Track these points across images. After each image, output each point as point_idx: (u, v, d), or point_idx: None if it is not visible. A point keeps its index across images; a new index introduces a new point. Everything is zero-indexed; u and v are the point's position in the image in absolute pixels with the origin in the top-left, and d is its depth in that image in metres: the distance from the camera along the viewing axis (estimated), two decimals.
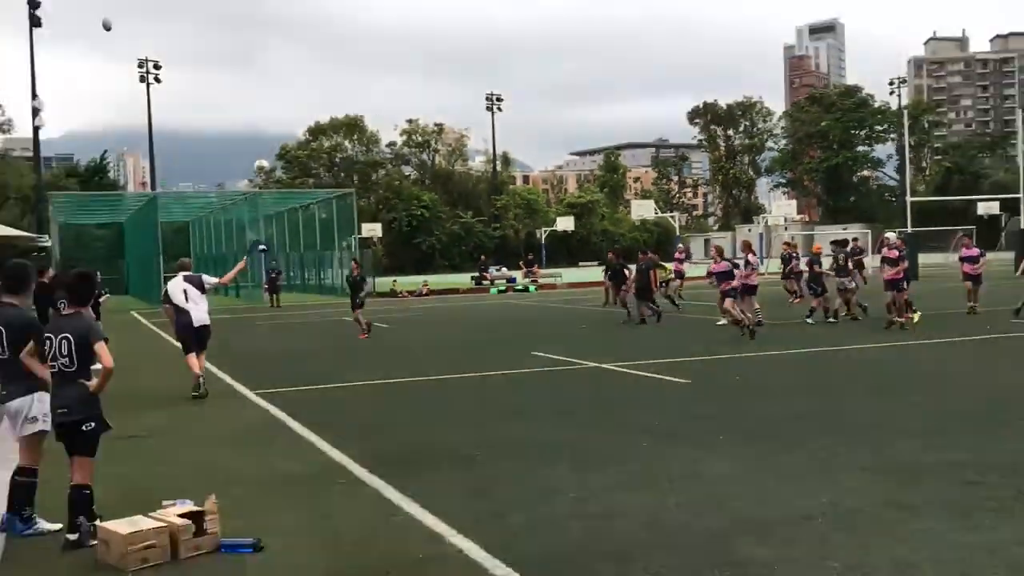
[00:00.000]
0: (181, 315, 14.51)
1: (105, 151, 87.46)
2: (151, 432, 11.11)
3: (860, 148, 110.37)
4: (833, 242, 23.85)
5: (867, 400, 11.64)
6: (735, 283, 20.27)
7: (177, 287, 14.60)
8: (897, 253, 20.52)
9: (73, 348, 6.77)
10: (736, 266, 21.15)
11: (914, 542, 6.12)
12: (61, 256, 48.17)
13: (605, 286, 30.99)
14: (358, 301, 22.57)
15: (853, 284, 22.07)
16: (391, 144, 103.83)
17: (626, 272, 26.66)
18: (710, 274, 22.48)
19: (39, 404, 7.06)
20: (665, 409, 11.41)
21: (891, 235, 23.86)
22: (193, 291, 14.58)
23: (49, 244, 40.62)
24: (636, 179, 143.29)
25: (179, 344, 15.17)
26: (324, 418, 11.60)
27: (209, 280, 15.20)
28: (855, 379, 13.51)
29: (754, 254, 22.60)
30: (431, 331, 25.08)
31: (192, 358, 14.28)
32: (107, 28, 43.35)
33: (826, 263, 23.01)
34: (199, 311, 14.55)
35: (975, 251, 23.97)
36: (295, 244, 58.53)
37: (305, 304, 40.04)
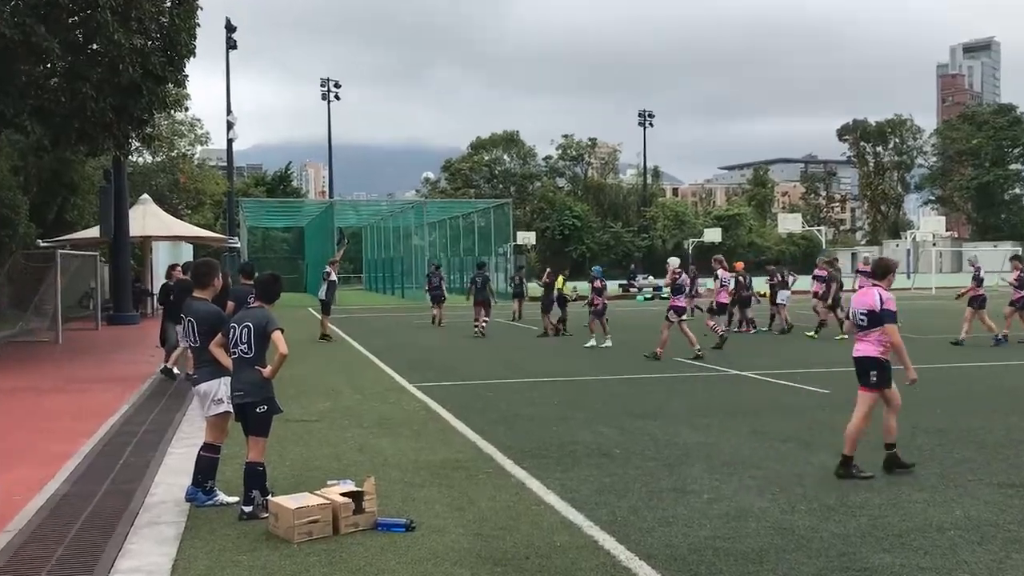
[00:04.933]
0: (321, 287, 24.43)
1: (289, 162, 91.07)
2: (320, 417, 11.52)
3: (1013, 166, 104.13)
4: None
5: (1005, 417, 11.00)
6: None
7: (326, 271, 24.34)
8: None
9: (252, 336, 7.07)
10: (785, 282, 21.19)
11: None
12: (249, 256, 50.42)
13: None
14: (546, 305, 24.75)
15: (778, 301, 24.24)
16: (547, 158, 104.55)
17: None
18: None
19: (224, 387, 7.37)
20: (802, 417, 11.11)
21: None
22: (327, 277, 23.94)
23: (238, 245, 42.61)
24: (784, 193, 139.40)
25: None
26: (474, 411, 11.79)
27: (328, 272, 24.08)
28: (994, 396, 12.80)
29: (724, 269, 21.58)
30: (577, 335, 25.08)
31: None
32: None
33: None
34: (321, 290, 24.28)
35: None
36: (455, 250, 59.58)
37: (463, 306, 40.61)
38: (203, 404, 7.58)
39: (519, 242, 62.20)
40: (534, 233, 71.49)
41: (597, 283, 21.40)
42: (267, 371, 7.10)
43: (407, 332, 26.47)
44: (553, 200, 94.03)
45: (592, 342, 20.55)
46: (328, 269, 24.34)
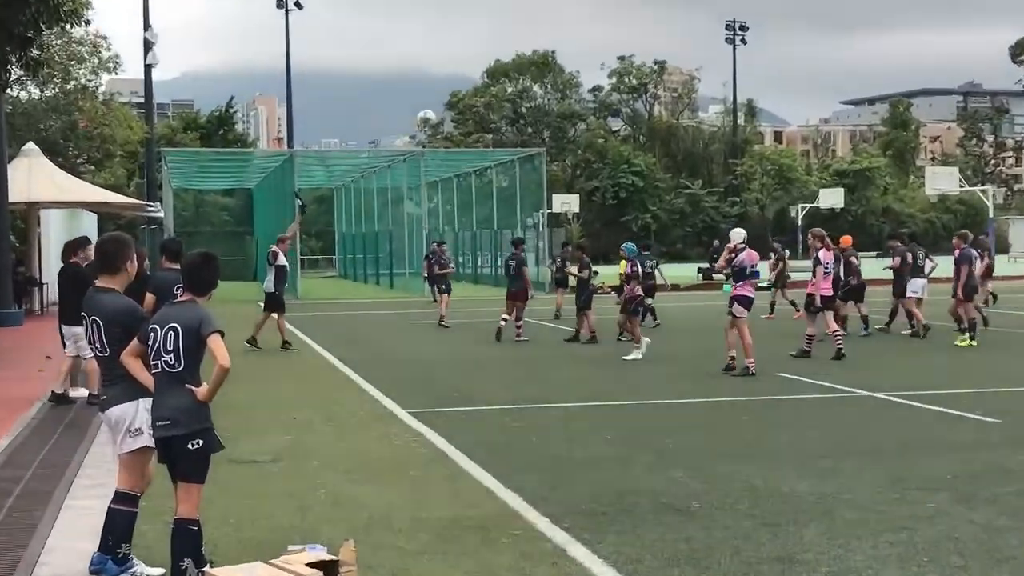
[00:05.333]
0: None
1: (232, 97, 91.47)
2: (277, 456, 11.56)
3: None
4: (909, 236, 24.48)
5: None
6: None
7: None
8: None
9: (181, 342, 7.02)
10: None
11: None
12: (176, 230, 50.63)
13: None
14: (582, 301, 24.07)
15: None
16: (595, 89, 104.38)
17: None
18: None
19: (144, 413, 7.35)
20: (962, 458, 11.05)
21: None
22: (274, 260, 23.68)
23: (161, 214, 42.78)
24: (934, 139, 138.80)
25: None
26: (494, 448, 11.82)
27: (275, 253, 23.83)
28: None
29: (828, 249, 20.90)
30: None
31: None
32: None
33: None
34: (268, 279, 23.86)
35: None
36: (466, 220, 59.54)
37: (475, 299, 40.67)
38: (115, 436, 7.61)
39: (556, 209, 62.17)
40: (577, 196, 71.27)
41: (628, 267, 21.24)
42: (202, 391, 7.09)
43: (399, 336, 26.54)
44: (604, 149, 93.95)
45: (636, 354, 20.42)
46: (275, 249, 23.93)
